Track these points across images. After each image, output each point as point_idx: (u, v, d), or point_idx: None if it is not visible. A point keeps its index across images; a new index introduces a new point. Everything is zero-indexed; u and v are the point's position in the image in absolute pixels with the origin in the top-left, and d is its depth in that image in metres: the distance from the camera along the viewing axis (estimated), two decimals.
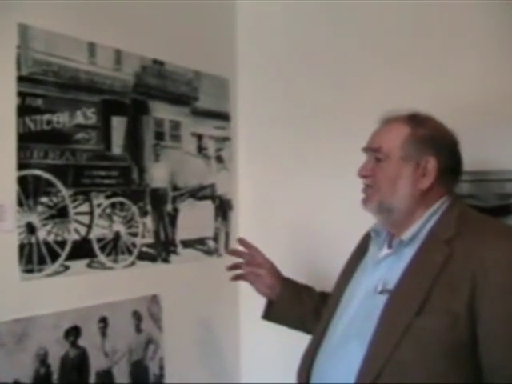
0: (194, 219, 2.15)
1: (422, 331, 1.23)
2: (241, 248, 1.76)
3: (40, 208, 1.63)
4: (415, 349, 1.23)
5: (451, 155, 1.39)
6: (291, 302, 1.69)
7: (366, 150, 1.45)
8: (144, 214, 1.95)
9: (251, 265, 1.72)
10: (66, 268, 1.69)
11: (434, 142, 1.37)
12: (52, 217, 1.66)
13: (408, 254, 1.34)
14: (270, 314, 1.72)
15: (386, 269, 1.38)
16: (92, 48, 1.78)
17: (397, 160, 1.37)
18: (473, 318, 1.21)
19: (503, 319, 1.21)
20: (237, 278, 1.74)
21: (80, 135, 1.74)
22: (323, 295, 1.68)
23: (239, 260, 1.75)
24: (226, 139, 2.32)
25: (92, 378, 1.72)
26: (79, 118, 1.74)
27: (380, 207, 1.39)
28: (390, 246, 1.42)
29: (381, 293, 1.33)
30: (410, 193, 1.36)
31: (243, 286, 2.12)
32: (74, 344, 1.68)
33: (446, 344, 1.22)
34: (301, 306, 1.69)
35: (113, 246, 1.84)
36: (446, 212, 1.36)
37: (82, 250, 1.74)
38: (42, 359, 1.58)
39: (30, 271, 1.59)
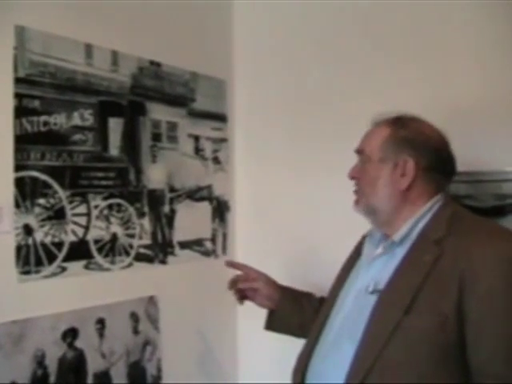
0: (191, 220, 2.15)
1: (410, 331, 1.23)
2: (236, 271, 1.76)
3: (37, 209, 1.62)
4: (403, 348, 1.23)
5: (433, 156, 1.39)
6: (291, 309, 1.69)
7: (355, 151, 1.48)
8: (141, 215, 1.95)
9: (247, 281, 1.72)
10: (64, 269, 1.68)
11: (412, 142, 1.37)
12: (49, 218, 1.65)
13: (399, 253, 1.35)
14: (272, 324, 1.72)
15: (378, 269, 1.39)
16: (89, 49, 1.78)
17: (376, 162, 1.40)
18: (461, 318, 1.21)
19: (491, 319, 1.21)
20: (242, 298, 1.73)
21: (77, 136, 1.74)
22: (323, 300, 1.67)
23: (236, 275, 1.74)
24: (223, 140, 2.32)
25: (89, 380, 1.72)
26: (76, 120, 1.74)
27: (367, 209, 1.43)
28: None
29: (372, 293, 1.34)
30: (389, 193, 1.38)
31: None
32: (71, 345, 1.67)
33: (434, 344, 1.22)
34: (301, 313, 1.69)
35: (110, 248, 1.83)
36: (437, 212, 1.37)
37: (79, 251, 1.73)
38: (40, 361, 1.58)
39: (27, 273, 1.59)
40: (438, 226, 1.33)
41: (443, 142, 1.41)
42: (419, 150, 1.37)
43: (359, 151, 1.46)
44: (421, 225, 1.36)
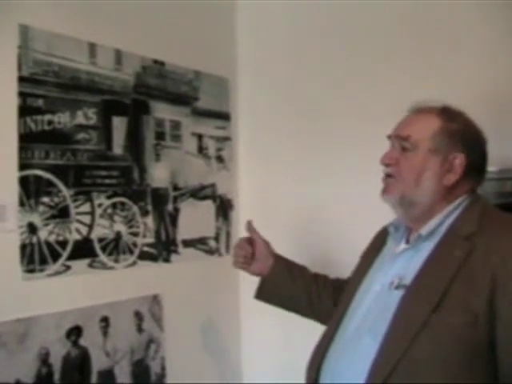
0: (194, 219, 2.15)
1: (438, 328, 1.19)
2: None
3: (41, 208, 1.63)
4: (431, 346, 1.19)
5: (479, 153, 1.35)
6: (283, 278, 1.66)
7: (393, 137, 1.38)
8: (145, 213, 1.95)
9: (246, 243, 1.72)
10: (68, 268, 1.69)
11: (464, 138, 1.32)
12: (53, 217, 1.66)
13: (426, 249, 1.30)
14: (262, 293, 1.68)
15: (402, 264, 1.33)
16: (92, 48, 1.78)
17: (425, 152, 1.32)
18: (492, 318, 1.17)
19: None
20: (243, 264, 1.70)
21: (81, 135, 1.74)
22: (316, 276, 1.67)
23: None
24: (226, 139, 2.32)
25: (94, 378, 1.73)
26: (80, 118, 1.74)
27: (401, 200, 1.34)
28: (407, 242, 1.38)
29: (397, 288, 1.29)
30: (434, 187, 1.32)
31: (244, 285, 2.12)
32: (75, 344, 1.68)
33: (463, 342, 1.18)
34: (293, 284, 1.66)
35: (114, 246, 1.84)
36: (467, 209, 1.32)
37: (83, 249, 1.74)
38: (44, 359, 1.59)
39: (31, 271, 1.59)
40: (468, 222, 1.28)
41: (485, 139, 1.37)
42: (469, 147, 1.32)
43: (402, 137, 1.35)
44: (449, 220, 1.31)
